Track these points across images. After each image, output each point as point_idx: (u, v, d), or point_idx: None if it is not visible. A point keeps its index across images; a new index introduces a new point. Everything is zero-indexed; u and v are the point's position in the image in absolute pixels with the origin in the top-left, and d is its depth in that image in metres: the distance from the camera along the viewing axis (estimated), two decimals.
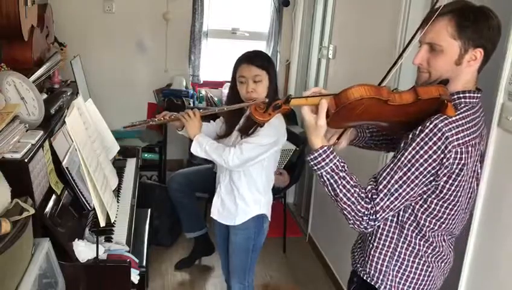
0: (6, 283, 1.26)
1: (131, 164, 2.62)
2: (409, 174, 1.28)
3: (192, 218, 3.17)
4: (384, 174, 1.31)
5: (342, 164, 1.32)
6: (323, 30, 3.80)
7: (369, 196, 1.30)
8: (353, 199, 1.29)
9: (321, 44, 3.82)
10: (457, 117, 1.28)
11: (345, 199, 1.30)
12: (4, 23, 2.01)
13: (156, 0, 4.00)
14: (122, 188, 2.31)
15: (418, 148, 1.27)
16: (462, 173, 1.29)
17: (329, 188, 1.32)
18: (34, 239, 1.47)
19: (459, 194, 1.32)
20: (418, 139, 1.27)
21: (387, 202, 1.29)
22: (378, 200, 1.29)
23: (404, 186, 1.28)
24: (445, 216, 1.36)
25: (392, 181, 1.29)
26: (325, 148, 1.31)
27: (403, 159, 1.29)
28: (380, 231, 1.45)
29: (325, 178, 1.32)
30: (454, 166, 1.27)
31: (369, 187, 1.32)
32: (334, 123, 1.31)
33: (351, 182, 1.31)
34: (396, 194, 1.29)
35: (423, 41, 1.34)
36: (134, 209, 2.13)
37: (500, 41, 1.34)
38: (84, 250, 1.63)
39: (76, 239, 1.65)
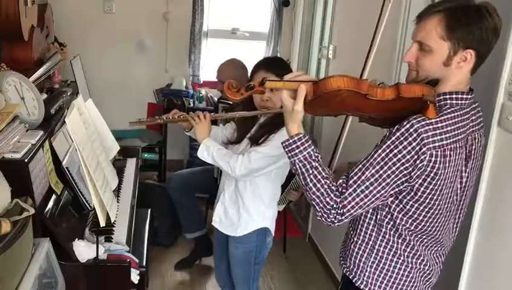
0: (6, 283, 1.26)
1: (131, 164, 2.61)
2: (381, 172, 1.24)
3: (191, 218, 3.16)
4: (356, 170, 1.27)
5: (316, 154, 1.29)
6: (323, 30, 3.80)
7: (340, 189, 1.26)
8: (322, 190, 1.26)
9: (321, 44, 3.82)
10: (438, 119, 1.23)
11: (314, 189, 1.26)
12: (4, 23, 2.01)
13: (156, 0, 4.00)
14: (122, 188, 2.30)
15: (392, 146, 1.23)
16: (439, 177, 1.25)
17: (301, 177, 1.29)
18: (34, 239, 1.47)
19: (435, 197, 1.28)
20: (393, 138, 1.23)
21: (357, 199, 1.25)
22: (346, 194, 1.25)
23: (376, 184, 1.24)
24: (421, 218, 1.31)
25: (363, 177, 1.25)
26: (301, 135, 1.28)
27: (376, 156, 1.25)
28: (359, 227, 1.43)
29: (297, 166, 1.29)
30: (429, 168, 1.23)
31: (340, 181, 1.28)
32: (311, 110, 1.29)
33: (323, 173, 1.27)
34: (366, 192, 1.24)
35: (414, 39, 1.31)
36: (134, 209, 2.13)
37: (500, 41, 1.33)
38: (84, 250, 1.63)
39: (77, 239, 1.65)
